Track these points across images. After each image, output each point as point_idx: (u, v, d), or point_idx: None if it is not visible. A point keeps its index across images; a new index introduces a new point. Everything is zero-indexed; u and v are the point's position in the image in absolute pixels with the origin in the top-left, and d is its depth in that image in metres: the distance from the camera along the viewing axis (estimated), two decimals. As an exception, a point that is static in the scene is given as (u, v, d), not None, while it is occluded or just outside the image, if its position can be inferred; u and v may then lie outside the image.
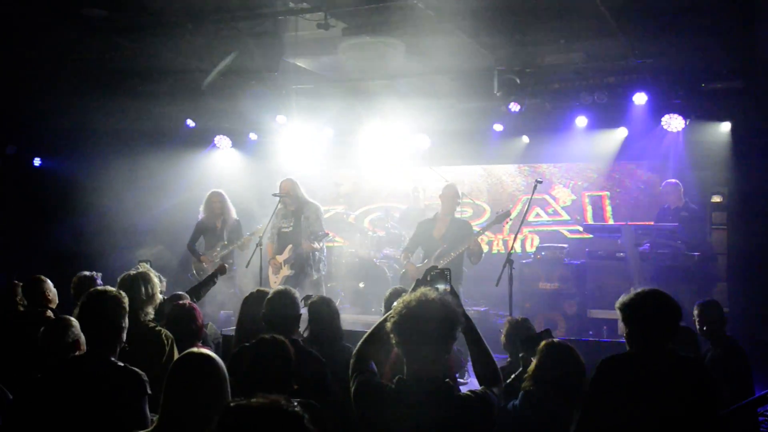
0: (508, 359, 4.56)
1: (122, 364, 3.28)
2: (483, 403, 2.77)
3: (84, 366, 3.29)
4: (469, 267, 7.89)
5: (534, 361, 3.87)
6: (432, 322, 2.70)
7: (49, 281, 5.39)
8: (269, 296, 4.34)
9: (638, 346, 3.22)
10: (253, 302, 4.69)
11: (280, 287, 4.54)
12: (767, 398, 3.51)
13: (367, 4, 6.50)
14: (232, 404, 1.99)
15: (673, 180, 8.63)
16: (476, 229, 7.86)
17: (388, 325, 2.79)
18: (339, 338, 4.66)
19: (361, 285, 9.77)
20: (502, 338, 4.60)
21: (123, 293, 3.55)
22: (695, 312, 5.04)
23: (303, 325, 4.63)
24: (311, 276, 7.85)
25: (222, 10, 6.87)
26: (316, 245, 7.77)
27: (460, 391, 2.88)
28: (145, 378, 3.24)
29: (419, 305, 2.73)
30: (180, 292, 5.67)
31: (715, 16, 6.88)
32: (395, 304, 2.82)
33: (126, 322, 3.45)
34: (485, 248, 10.52)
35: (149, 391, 3.21)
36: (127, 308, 3.47)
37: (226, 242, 8.52)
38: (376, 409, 2.76)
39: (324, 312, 4.67)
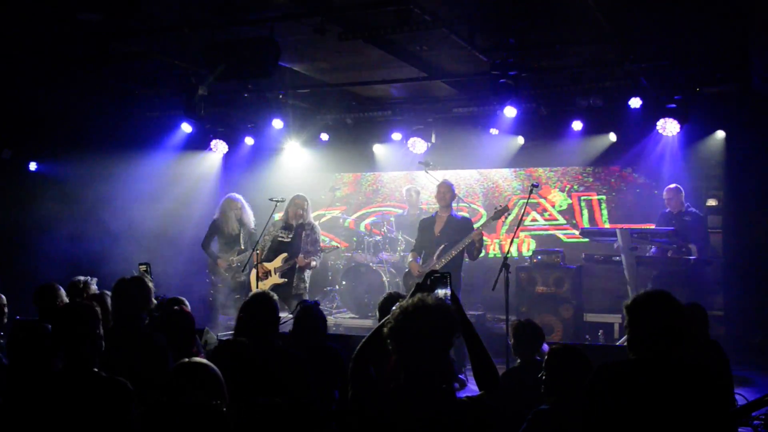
0: (518, 361, 4.59)
1: (106, 375, 3.23)
2: (482, 409, 2.76)
3: (67, 380, 3.22)
4: (466, 271, 7.90)
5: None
6: (428, 328, 2.68)
7: (62, 289, 5.37)
8: (246, 300, 4.34)
9: (640, 351, 3.10)
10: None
11: (258, 291, 4.58)
12: (762, 402, 3.50)
13: (363, 9, 6.51)
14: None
15: (674, 185, 8.60)
16: (476, 226, 7.89)
17: (385, 330, 2.78)
18: (322, 340, 4.79)
19: (344, 283, 9.78)
20: (512, 342, 4.63)
21: (94, 303, 3.52)
22: None
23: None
24: (297, 289, 7.95)
25: (218, 14, 6.87)
26: (313, 263, 7.97)
27: (457, 397, 2.87)
28: (130, 387, 3.20)
29: (416, 311, 2.71)
30: (179, 297, 5.65)
31: (710, 20, 6.91)
32: (393, 309, 2.81)
33: (101, 331, 3.40)
34: (482, 252, 10.55)
35: (133, 399, 3.18)
36: (99, 317, 3.43)
37: (243, 247, 8.56)
38: (373, 415, 2.76)
39: (308, 314, 4.78)
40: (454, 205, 8.00)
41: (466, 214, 8.41)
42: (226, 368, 3.22)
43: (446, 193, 7.76)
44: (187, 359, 2.94)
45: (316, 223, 8.34)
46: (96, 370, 3.28)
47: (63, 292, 5.35)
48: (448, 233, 7.52)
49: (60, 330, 3.37)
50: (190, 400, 2.07)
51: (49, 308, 5.17)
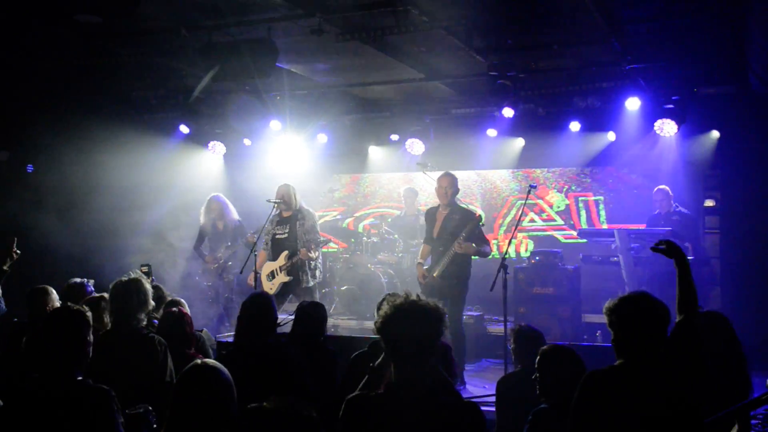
0: (519, 366, 4.54)
1: (88, 382, 3.21)
2: (472, 409, 2.80)
3: (48, 388, 3.18)
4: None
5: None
6: (416, 324, 2.73)
7: (54, 292, 5.32)
8: (245, 301, 4.36)
9: (625, 353, 3.11)
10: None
11: (257, 292, 4.60)
12: (759, 402, 3.51)
13: (360, 9, 6.51)
14: (249, 407, 2.09)
15: (663, 186, 8.67)
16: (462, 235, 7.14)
17: (374, 329, 2.83)
18: (321, 342, 4.82)
19: (342, 284, 9.80)
20: (512, 347, 4.60)
21: (85, 307, 3.49)
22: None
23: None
24: (306, 282, 7.82)
25: (215, 16, 6.87)
26: (312, 254, 7.74)
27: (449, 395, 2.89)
28: (113, 393, 3.18)
29: (404, 307, 2.77)
30: (177, 299, 5.65)
31: (708, 21, 6.92)
32: (383, 306, 2.85)
33: (91, 338, 3.38)
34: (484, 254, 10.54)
35: (117, 406, 3.17)
36: (91, 323, 3.41)
37: (230, 243, 8.66)
38: (364, 417, 2.77)
39: (308, 314, 4.78)
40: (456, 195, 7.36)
41: (470, 207, 7.74)
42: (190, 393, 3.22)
43: (448, 188, 7.17)
44: (200, 361, 2.93)
45: (309, 208, 8.12)
46: (80, 378, 3.25)
47: (55, 295, 5.28)
48: (445, 235, 7.10)
49: (44, 335, 3.34)
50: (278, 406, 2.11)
51: (39, 312, 5.08)
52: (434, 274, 7.07)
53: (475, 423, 2.75)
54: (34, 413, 3.10)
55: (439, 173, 7.53)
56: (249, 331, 4.17)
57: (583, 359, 3.88)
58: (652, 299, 3.16)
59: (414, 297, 2.81)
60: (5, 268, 4.90)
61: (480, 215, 7.27)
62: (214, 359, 4.45)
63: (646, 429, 2.96)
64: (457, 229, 7.05)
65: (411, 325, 2.72)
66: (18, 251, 5.04)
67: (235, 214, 8.92)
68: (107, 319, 4.57)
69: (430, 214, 7.45)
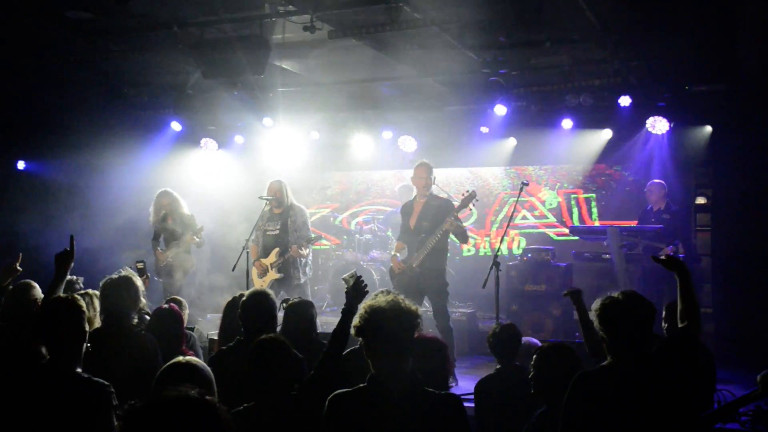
0: (498, 366, 4.53)
1: (87, 376, 3.18)
2: (453, 398, 2.85)
3: (47, 380, 3.15)
4: (457, 268, 7.80)
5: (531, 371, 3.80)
6: (392, 322, 2.79)
7: (38, 287, 5.26)
8: (244, 298, 4.35)
9: (613, 352, 3.13)
10: (237, 306, 4.69)
11: (256, 289, 4.59)
12: (750, 398, 3.53)
13: (353, 6, 6.50)
14: (135, 403, 1.86)
15: (658, 180, 8.65)
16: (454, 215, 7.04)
17: (355, 326, 2.89)
18: (315, 337, 4.80)
19: (334, 281, 9.83)
20: (490, 345, 4.60)
21: (78, 297, 3.47)
22: (664, 312, 5.07)
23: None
24: (297, 280, 7.79)
25: (208, 12, 6.86)
26: (303, 251, 7.70)
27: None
28: (111, 389, 3.16)
29: (381, 307, 2.83)
30: (176, 296, 5.64)
31: (699, 19, 6.94)
32: (360, 307, 2.93)
33: (87, 327, 3.37)
34: (472, 250, 10.58)
35: (116, 402, 3.14)
36: (86, 313, 3.40)
37: (178, 240, 8.30)
38: (347, 412, 2.79)
39: (298, 314, 4.80)
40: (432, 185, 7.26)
41: (446, 196, 7.59)
42: (263, 364, 3.27)
43: (428, 177, 7.15)
44: (181, 358, 2.92)
45: (300, 205, 8.04)
46: (79, 370, 3.22)
47: (39, 288, 5.19)
48: (424, 224, 7.02)
49: (44, 326, 3.31)
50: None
51: (28, 306, 4.94)
52: (414, 265, 7.02)
53: (457, 412, 2.80)
54: (33, 405, 3.07)
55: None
56: (250, 328, 4.15)
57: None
58: (638, 298, 3.17)
59: (390, 296, 2.86)
60: (4, 285, 4.84)
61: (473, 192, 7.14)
62: (206, 357, 4.46)
63: (636, 428, 2.97)
64: (438, 214, 7.00)
65: (387, 324, 2.78)
66: (20, 268, 4.96)
67: (185, 209, 8.47)
68: (90, 313, 4.53)
69: (407, 207, 7.40)
